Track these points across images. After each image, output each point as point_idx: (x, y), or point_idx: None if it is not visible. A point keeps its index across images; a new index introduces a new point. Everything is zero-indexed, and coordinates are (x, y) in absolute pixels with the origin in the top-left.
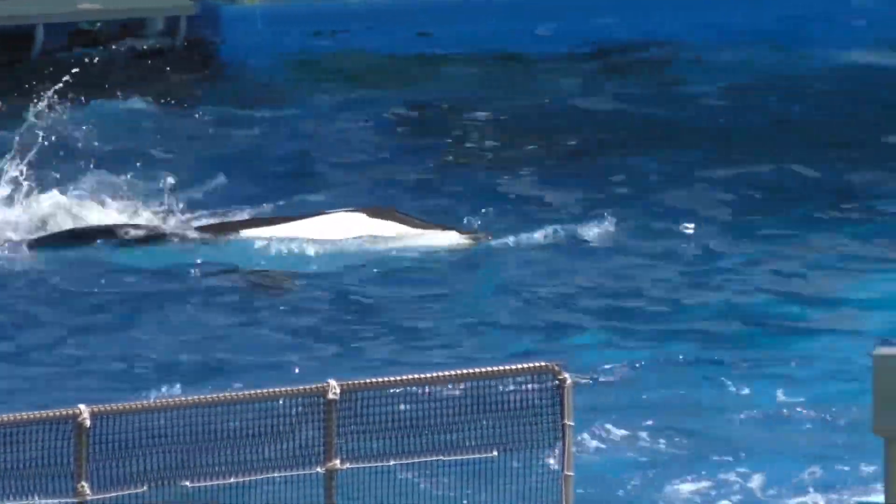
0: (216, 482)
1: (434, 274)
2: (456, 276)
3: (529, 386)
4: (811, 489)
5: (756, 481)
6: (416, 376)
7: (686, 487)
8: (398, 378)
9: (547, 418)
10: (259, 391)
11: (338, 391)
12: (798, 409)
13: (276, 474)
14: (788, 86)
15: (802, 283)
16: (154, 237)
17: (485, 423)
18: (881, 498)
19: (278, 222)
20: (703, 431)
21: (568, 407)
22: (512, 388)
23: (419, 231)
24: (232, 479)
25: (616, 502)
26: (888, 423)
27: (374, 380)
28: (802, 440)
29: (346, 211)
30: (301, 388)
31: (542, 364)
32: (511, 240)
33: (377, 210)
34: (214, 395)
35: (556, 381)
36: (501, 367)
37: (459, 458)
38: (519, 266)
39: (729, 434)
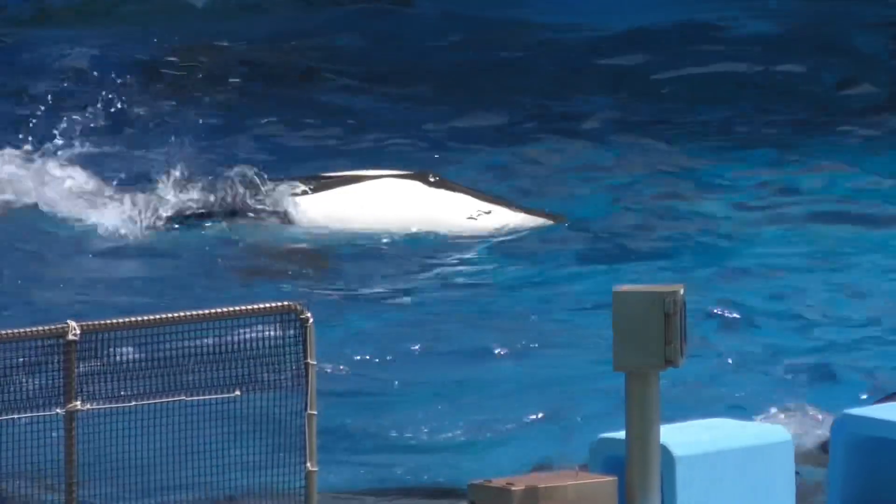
0: None
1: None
2: None
3: (275, 326)
4: None
5: None
6: (158, 316)
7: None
8: (140, 318)
9: (290, 358)
10: None
11: (78, 332)
12: None
13: (15, 416)
14: None
15: None
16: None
17: (229, 363)
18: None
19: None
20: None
21: (310, 346)
22: (258, 328)
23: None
24: None
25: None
26: (627, 359)
27: (115, 321)
28: None
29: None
30: (40, 328)
31: (286, 304)
32: None
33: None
34: None
35: (300, 321)
36: (245, 307)
37: (201, 398)
38: None
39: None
